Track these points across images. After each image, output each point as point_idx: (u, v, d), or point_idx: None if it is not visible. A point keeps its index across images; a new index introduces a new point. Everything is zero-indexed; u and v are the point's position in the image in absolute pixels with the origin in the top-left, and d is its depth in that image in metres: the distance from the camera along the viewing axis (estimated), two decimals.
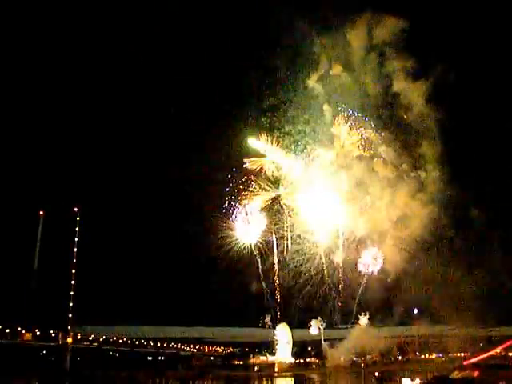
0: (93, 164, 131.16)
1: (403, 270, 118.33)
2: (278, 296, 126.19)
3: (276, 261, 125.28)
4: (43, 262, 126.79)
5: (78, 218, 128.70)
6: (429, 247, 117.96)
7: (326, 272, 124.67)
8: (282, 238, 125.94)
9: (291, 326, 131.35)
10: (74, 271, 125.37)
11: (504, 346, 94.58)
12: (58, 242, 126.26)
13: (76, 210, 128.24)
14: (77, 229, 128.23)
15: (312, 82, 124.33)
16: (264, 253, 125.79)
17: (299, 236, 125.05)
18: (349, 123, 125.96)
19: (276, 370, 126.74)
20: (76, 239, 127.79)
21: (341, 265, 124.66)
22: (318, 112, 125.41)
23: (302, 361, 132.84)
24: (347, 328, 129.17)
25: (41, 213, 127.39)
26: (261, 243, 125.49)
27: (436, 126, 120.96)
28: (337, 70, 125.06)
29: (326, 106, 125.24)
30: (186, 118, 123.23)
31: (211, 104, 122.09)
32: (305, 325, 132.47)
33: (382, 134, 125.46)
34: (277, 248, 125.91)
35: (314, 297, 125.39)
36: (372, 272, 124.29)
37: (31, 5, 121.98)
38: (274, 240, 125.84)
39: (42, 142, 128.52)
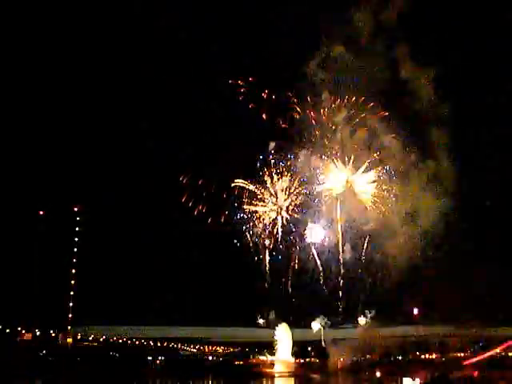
0: (93, 163, 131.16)
1: (412, 266, 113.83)
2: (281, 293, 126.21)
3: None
4: (43, 261, 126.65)
5: (78, 218, 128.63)
6: (439, 243, 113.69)
7: (332, 270, 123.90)
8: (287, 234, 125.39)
9: (291, 326, 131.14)
10: (73, 271, 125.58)
11: (504, 346, 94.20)
12: (58, 242, 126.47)
13: (76, 209, 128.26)
14: (77, 229, 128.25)
15: (311, 68, 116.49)
16: (265, 251, 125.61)
17: (304, 230, 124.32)
18: (351, 111, 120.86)
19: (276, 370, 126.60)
20: (76, 239, 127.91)
21: (342, 261, 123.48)
22: (318, 100, 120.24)
23: (302, 361, 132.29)
24: (350, 327, 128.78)
25: (41, 213, 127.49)
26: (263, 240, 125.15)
27: (447, 114, 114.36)
28: (338, 51, 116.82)
29: (325, 94, 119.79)
30: (183, 113, 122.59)
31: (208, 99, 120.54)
32: (306, 324, 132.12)
33: (389, 122, 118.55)
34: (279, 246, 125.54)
35: (317, 295, 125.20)
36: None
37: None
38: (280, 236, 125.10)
39: (42, 141, 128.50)
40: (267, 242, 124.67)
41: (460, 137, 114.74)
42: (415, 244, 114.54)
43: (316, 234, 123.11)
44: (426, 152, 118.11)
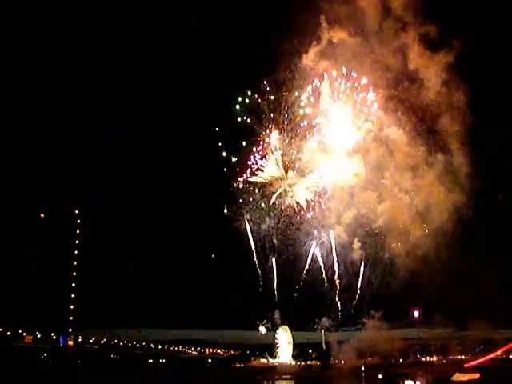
0: (94, 166, 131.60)
1: (420, 267, 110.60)
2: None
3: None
4: (44, 264, 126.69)
5: (78, 220, 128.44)
6: (450, 241, 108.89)
7: (338, 270, 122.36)
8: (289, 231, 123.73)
9: (295, 328, 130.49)
10: (74, 273, 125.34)
11: (506, 348, 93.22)
12: (59, 244, 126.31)
13: (77, 211, 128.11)
14: (77, 231, 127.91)
15: (309, 59, 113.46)
16: (266, 250, 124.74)
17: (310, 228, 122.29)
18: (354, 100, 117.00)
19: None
20: (77, 241, 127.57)
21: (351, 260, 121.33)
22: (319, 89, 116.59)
23: (303, 363, 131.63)
24: (355, 330, 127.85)
25: (41, 215, 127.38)
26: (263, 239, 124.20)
27: (459, 104, 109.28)
28: (340, 36, 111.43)
29: (325, 82, 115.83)
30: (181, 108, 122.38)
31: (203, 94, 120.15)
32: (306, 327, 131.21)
33: (397, 113, 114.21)
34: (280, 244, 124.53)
35: (323, 297, 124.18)
36: None
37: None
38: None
39: (43, 143, 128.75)
40: (275, 241, 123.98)
41: (473, 127, 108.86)
42: (426, 243, 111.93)
43: None
44: (437, 144, 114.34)
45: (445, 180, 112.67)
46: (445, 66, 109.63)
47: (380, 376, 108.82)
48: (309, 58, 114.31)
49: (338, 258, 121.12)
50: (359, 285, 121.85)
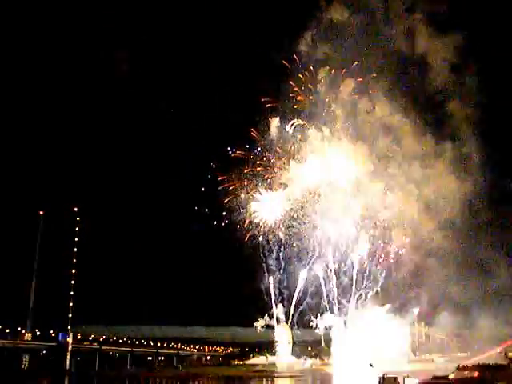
0: (93, 164, 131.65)
1: (427, 261, 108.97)
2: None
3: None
4: (43, 261, 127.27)
5: (77, 218, 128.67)
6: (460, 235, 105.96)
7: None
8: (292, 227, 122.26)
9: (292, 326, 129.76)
10: (73, 271, 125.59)
11: (504, 345, 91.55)
12: (58, 242, 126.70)
13: (76, 209, 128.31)
14: (76, 229, 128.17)
15: (305, 45, 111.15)
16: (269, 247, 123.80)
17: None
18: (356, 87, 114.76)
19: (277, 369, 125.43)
20: (76, 239, 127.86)
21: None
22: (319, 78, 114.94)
23: (303, 360, 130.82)
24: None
25: (41, 213, 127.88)
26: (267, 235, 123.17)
27: (467, 90, 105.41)
28: (340, 14, 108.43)
29: (325, 69, 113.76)
30: (183, 106, 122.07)
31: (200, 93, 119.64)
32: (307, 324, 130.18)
33: (402, 99, 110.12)
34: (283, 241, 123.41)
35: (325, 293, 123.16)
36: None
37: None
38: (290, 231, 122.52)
39: (43, 143, 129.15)
40: (280, 234, 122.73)
41: (485, 113, 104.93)
42: (435, 236, 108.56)
43: None
44: (446, 132, 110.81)
45: (455, 169, 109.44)
46: (454, 49, 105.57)
47: (380, 374, 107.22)
48: (307, 43, 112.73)
49: (343, 253, 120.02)
50: (363, 280, 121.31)
